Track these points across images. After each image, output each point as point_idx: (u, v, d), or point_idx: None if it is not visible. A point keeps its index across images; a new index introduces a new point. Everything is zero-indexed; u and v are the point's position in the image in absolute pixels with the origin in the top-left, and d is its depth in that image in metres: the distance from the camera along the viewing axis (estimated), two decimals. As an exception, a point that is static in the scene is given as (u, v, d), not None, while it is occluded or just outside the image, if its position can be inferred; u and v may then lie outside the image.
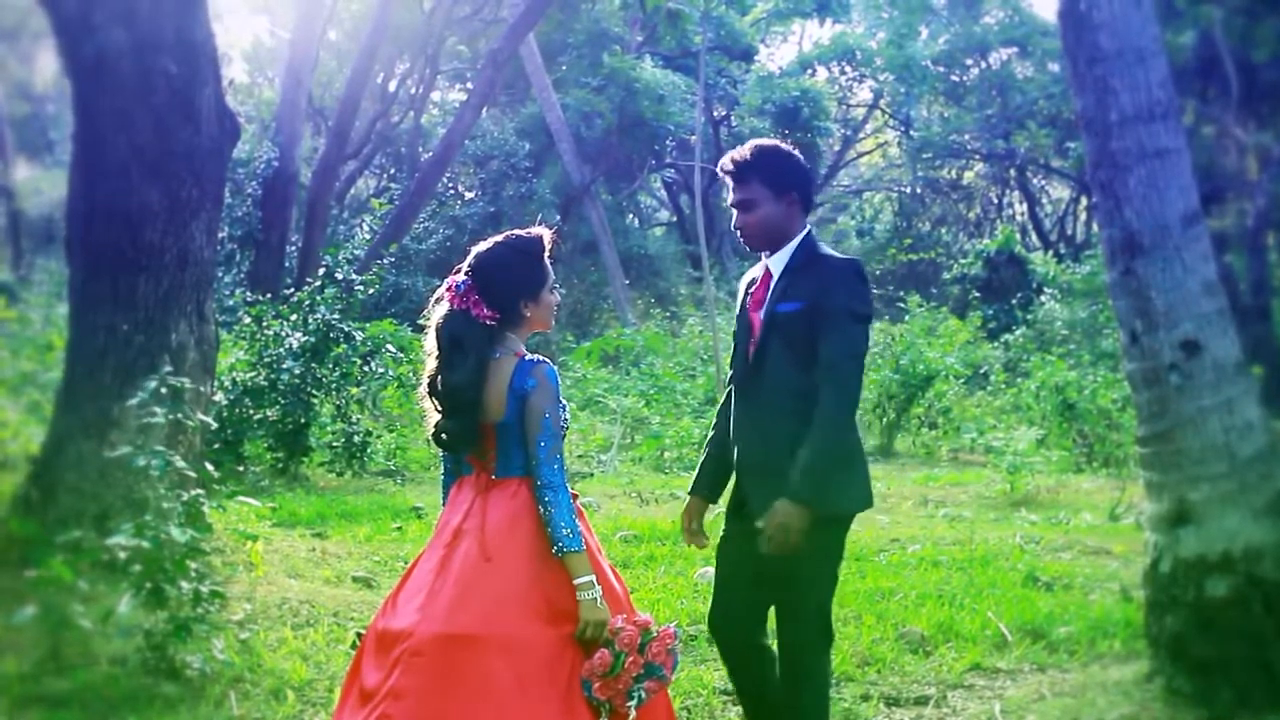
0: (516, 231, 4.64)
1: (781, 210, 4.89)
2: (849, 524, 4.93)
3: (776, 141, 5.06)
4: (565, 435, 4.50)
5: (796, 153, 5.05)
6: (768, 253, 4.96)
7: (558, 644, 4.25)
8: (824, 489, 4.58)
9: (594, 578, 4.30)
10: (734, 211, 4.98)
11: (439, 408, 4.57)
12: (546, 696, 4.16)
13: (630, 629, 4.23)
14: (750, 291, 5.02)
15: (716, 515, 5.42)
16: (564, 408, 4.50)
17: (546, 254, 4.62)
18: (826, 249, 4.88)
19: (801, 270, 4.81)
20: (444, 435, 4.57)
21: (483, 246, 4.61)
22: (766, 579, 4.79)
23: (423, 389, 4.66)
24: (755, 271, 5.05)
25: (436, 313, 4.60)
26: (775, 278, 4.89)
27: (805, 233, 4.92)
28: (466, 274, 4.54)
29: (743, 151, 4.95)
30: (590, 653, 4.24)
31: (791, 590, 4.75)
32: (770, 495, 4.65)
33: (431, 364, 4.59)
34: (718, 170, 5.11)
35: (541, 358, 4.48)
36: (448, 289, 4.54)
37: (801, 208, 4.95)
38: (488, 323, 4.49)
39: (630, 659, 4.20)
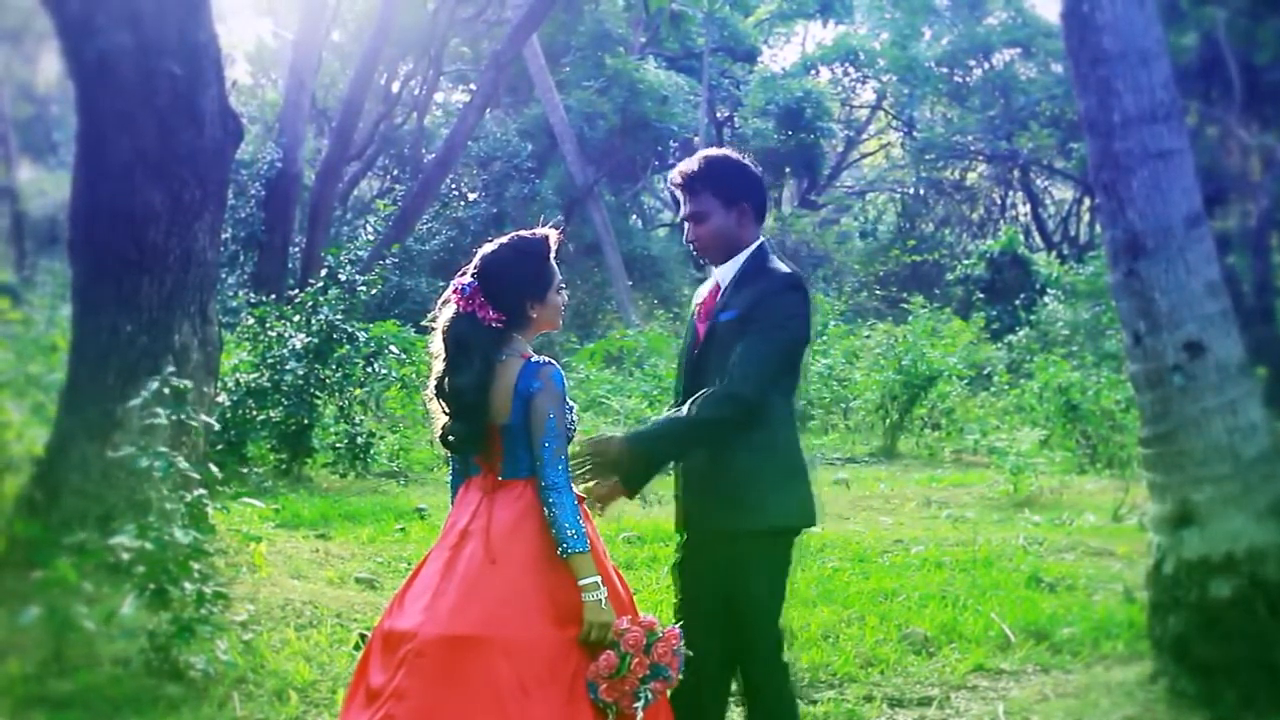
0: (521, 232, 4.63)
1: (733, 221, 4.80)
2: (790, 539, 4.77)
3: (726, 151, 4.99)
4: (572, 437, 4.50)
5: (748, 161, 4.94)
6: (720, 264, 4.88)
7: (561, 645, 4.24)
8: (655, 455, 4.57)
9: (599, 579, 4.28)
10: (686, 225, 4.89)
11: (445, 410, 4.58)
12: (549, 698, 4.16)
13: (635, 630, 4.22)
14: (700, 303, 4.94)
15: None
16: (571, 409, 4.50)
17: (552, 254, 4.60)
18: (776, 262, 4.78)
19: (747, 281, 4.72)
20: (450, 437, 4.59)
21: (488, 248, 4.59)
22: (710, 594, 4.72)
23: (429, 391, 4.66)
24: (706, 285, 4.97)
25: (443, 315, 4.59)
26: (723, 289, 4.81)
27: (758, 244, 4.82)
28: (472, 276, 4.53)
29: (691, 163, 4.86)
30: (595, 654, 4.23)
31: (734, 603, 4.64)
32: (709, 510, 4.67)
33: (438, 366, 4.59)
34: (668, 183, 5.04)
35: (547, 359, 4.47)
36: (454, 290, 4.54)
37: (754, 217, 4.85)
38: (493, 325, 4.48)
39: (636, 660, 4.18)
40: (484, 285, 4.50)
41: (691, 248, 4.93)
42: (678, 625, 4.39)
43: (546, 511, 4.30)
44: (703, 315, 4.86)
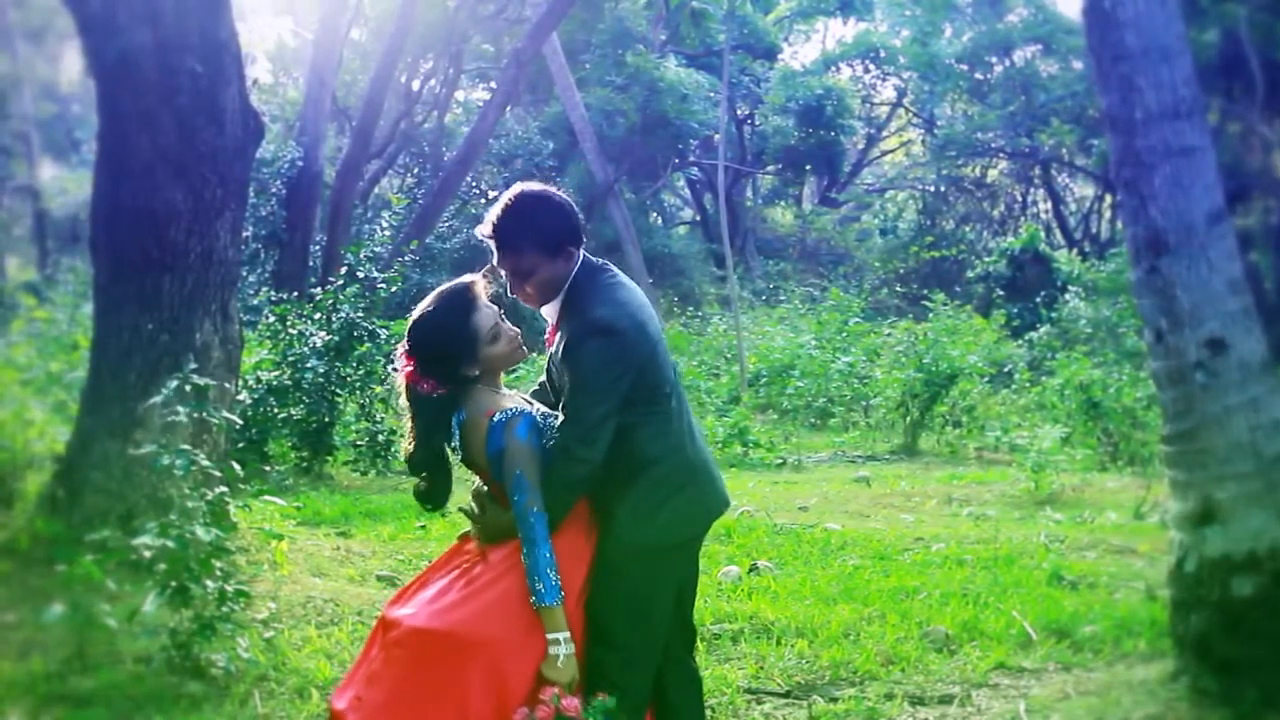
0: (444, 288, 4.60)
1: (560, 267, 4.59)
2: (657, 555, 4.66)
3: (537, 191, 4.66)
4: None
5: (558, 195, 4.67)
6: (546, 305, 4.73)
7: (535, 662, 4.28)
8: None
9: (563, 636, 4.28)
10: (507, 279, 4.64)
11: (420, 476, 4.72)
12: (507, 707, 4.21)
13: (547, 708, 4.19)
14: (548, 334, 4.82)
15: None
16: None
17: (479, 301, 4.53)
18: (589, 297, 4.57)
19: (565, 318, 4.62)
20: (427, 501, 4.78)
21: (414, 316, 4.58)
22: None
23: (404, 455, 4.75)
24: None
25: (397, 379, 4.64)
26: (556, 326, 4.70)
27: (572, 276, 4.63)
28: (404, 350, 4.57)
29: (507, 216, 4.57)
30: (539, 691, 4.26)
31: (590, 615, 4.55)
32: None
33: (407, 428, 4.66)
34: (477, 234, 4.61)
35: (514, 410, 4.45)
36: (398, 359, 4.58)
37: (576, 253, 4.64)
38: (439, 393, 4.52)
39: None
40: (417, 359, 4.52)
41: (518, 300, 4.71)
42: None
43: (524, 560, 4.31)
44: (550, 337, 4.78)
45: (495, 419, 4.43)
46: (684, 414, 4.76)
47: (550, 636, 4.26)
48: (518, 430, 4.39)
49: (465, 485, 4.75)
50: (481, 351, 4.50)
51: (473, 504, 4.63)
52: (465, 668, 4.18)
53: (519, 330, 4.64)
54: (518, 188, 4.65)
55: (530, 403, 4.65)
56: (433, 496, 4.72)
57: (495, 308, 4.57)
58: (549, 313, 4.73)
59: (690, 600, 5.02)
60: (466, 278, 4.61)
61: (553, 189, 4.70)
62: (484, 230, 4.61)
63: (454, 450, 4.63)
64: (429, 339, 4.51)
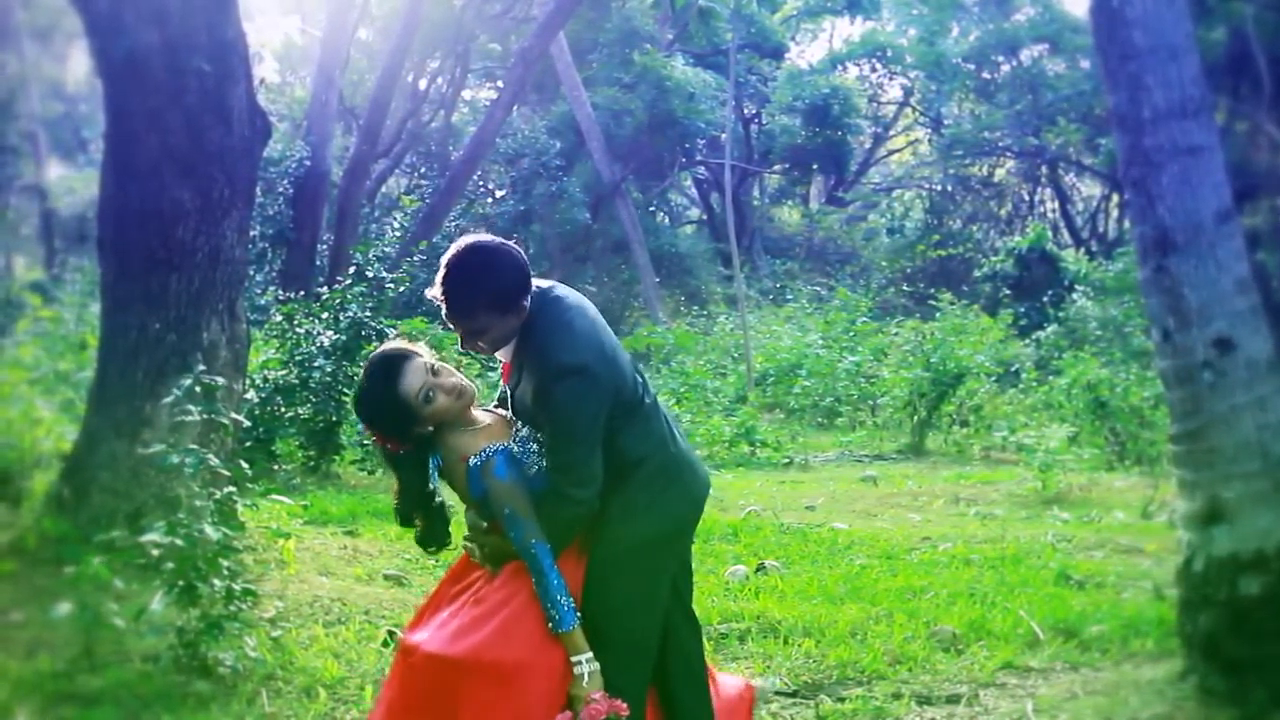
0: (371, 358, 4.57)
1: (511, 322, 4.50)
2: (649, 551, 4.67)
3: (483, 248, 4.49)
4: None
5: (506, 248, 4.52)
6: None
7: (559, 676, 4.32)
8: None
9: (587, 656, 4.32)
10: (460, 334, 4.57)
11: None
12: None
13: (601, 704, 4.27)
14: (502, 365, 4.82)
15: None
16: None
17: (404, 367, 4.44)
18: (547, 337, 4.50)
19: (526, 363, 4.55)
20: (427, 544, 4.80)
21: (357, 389, 4.61)
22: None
23: (392, 506, 4.78)
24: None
25: None
26: (510, 361, 4.67)
27: (528, 310, 4.54)
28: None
29: (453, 278, 4.45)
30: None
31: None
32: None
33: (393, 482, 4.71)
34: (428, 295, 4.50)
35: (488, 451, 4.43)
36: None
37: (528, 301, 4.52)
38: (405, 450, 4.54)
39: None
40: (369, 427, 4.57)
41: (473, 353, 4.73)
42: None
43: (535, 589, 4.33)
44: (505, 375, 4.79)
45: (471, 464, 4.42)
46: (659, 410, 4.78)
47: (574, 659, 4.30)
48: (496, 472, 4.38)
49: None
50: (420, 413, 4.43)
51: (470, 545, 4.66)
52: (482, 691, 4.20)
53: (457, 378, 4.53)
54: (463, 244, 4.52)
55: (511, 422, 4.64)
56: (432, 539, 4.75)
57: (427, 364, 4.47)
58: (503, 352, 4.70)
59: (688, 592, 5.03)
60: (389, 344, 4.60)
61: (499, 241, 4.55)
62: (434, 293, 4.49)
63: (434, 493, 4.68)
64: (365, 414, 4.56)
